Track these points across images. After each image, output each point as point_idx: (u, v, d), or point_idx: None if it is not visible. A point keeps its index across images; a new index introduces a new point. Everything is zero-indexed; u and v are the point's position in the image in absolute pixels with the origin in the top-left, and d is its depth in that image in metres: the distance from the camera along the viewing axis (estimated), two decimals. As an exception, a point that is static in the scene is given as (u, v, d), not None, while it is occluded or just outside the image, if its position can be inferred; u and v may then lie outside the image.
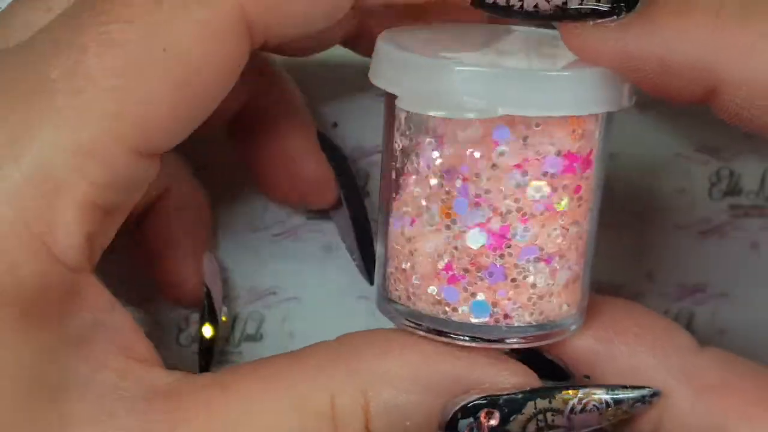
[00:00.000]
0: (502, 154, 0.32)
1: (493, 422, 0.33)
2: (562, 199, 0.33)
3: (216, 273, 0.43)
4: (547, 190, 0.33)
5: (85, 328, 0.32)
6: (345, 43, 0.40)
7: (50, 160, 0.31)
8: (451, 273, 0.33)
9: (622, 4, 0.32)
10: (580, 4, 0.32)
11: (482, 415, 0.33)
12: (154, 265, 0.43)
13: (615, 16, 0.32)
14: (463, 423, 0.33)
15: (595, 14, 0.32)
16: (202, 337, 0.43)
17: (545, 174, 0.33)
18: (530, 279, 0.33)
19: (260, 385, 0.33)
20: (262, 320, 0.45)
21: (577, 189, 0.33)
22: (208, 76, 0.33)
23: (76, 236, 0.32)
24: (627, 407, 0.34)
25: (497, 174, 0.32)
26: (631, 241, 0.45)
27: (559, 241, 0.33)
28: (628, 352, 0.35)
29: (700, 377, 0.35)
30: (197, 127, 0.34)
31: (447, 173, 0.33)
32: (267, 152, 0.41)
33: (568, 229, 0.34)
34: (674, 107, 0.43)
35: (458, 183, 0.33)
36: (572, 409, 0.34)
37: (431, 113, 0.32)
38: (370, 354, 0.33)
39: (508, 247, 0.33)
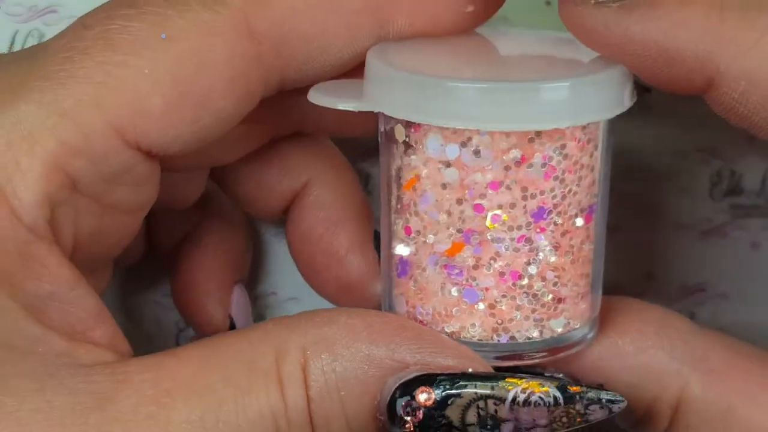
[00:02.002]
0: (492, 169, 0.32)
1: (428, 400, 0.31)
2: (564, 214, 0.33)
3: (245, 306, 0.42)
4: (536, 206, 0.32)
5: (40, 298, 0.32)
6: None
7: (27, 114, 0.31)
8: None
9: None
10: None
11: (418, 391, 0.31)
12: (181, 297, 0.42)
13: None
14: (400, 402, 0.31)
15: None
16: None
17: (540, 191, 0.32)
18: (535, 295, 0.33)
19: (211, 349, 0.32)
20: (262, 320, 0.45)
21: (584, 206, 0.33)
22: (207, 78, 0.32)
23: (35, 192, 0.31)
24: (581, 408, 0.32)
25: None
26: (631, 241, 0.45)
27: (563, 258, 0.33)
28: (635, 350, 0.35)
29: (706, 360, 0.35)
30: (197, 139, 0.33)
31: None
32: (315, 243, 0.40)
33: (573, 246, 0.33)
34: (673, 107, 0.43)
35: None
36: (515, 399, 0.32)
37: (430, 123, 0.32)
38: (317, 320, 0.32)
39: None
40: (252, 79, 0.33)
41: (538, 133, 0.32)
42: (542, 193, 0.32)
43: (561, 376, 0.34)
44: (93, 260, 0.35)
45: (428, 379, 0.32)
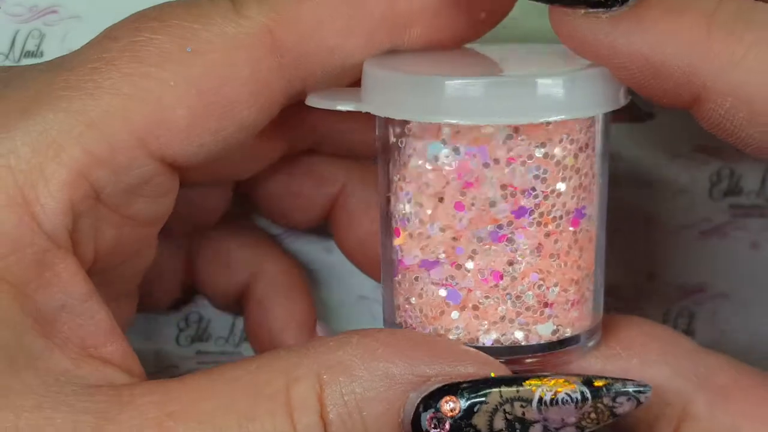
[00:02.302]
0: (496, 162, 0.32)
1: (454, 410, 0.31)
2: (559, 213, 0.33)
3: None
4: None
5: (51, 308, 0.32)
6: None
7: (53, 122, 0.32)
8: None
9: None
10: None
11: (442, 403, 0.31)
12: (260, 341, 0.42)
13: (607, 8, 0.31)
14: (425, 416, 0.31)
15: (588, 3, 0.31)
16: None
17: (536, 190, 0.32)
18: (528, 298, 0.33)
19: (215, 377, 0.32)
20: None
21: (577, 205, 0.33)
22: (231, 90, 0.33)
23: (58, 199, 0.32)
24: (609, 401, 0.32)
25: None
26: (632, 241, 0.45)
27: (548, 260, 0.33)
28: (640, 364, 0.35)
29: (712, 380, 0.35)
30: (220, 149, 0.33)
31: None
32: (369, 240, 0.40)
33: (560, 249, 0.33)
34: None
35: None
36: (541, 400, 0.31)
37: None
38: (329, 344, 0.32)
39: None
40: (274, 90, 0.34)
41: (517, 129, 0.32)
42: (523, 192, 0.32)
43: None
44: (113, 280, 0.35)
45: (451, 389, 0.31)
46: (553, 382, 0.31)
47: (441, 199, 0.32)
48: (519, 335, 0.33)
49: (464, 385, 0.31)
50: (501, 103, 0.31)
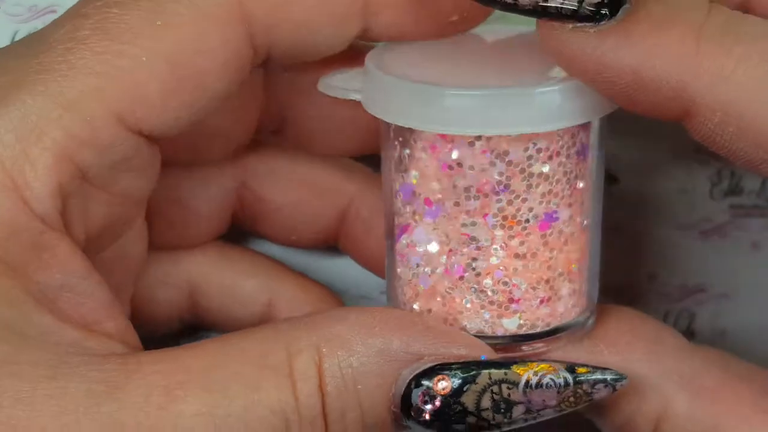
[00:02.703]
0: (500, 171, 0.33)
1: (445, 388, 0.32)
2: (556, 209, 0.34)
3: None
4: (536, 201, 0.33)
5: (52, 288, 0.32)
6: None
7: (33, 107, 0.32)
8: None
9: (604, 11, 0.31)
10: (562, 3, 0.31)
11: (434, 381, 0.32)
12: None
13: (595, 23, 0.31)
14: (416, 392, 0.32)
15: (576, 17, 0.31)
16: None
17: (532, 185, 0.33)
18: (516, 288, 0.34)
19: (221, 347, 0.32)
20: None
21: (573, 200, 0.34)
22: (202, 61, 0.33)
23: (46, 183, 0.32)
24: (587, 387, 0.33)
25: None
26: (632, 241, 0.45)
27: (513, 260, 0.34)
28: (622, 361, 0.35)
29: (696, 380, 0.35)
30: (194, 119, 0.34)
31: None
32: (374, 255, 0.41)
33: (526, 251, 0.34)
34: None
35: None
36: (527, 383, 0.33)
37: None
38: (328, 319, 0.33)
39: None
40: (243, 59, 0.34)
41: (479, 138, 0.33)
42: (486, 195, 0.33)
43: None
44: (110, 263, 0.36)
45: (443, 369, 0.33)
46: (539, 367, 0.33)
47: (418, 195, 0.34)
48: (485, 327, 0.34)
49: (456, 365, 0.33)
50: (461, 112, 0.32)
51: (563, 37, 0.32)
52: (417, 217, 0.34)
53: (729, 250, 0.45)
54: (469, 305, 0.34)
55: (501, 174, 0.33)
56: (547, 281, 0.34)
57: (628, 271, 0.45)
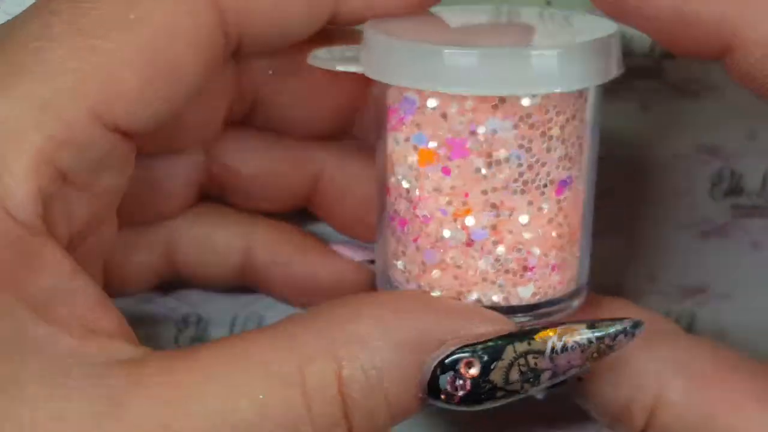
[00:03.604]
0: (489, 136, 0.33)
1: (474, 371, 0.32)
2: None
3: (351, 244, 0.43)
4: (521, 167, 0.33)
5: (43, 293, 0.32)
6: None
7: (9, 110, 0.31)
8: None
9: None
10: None
11: (462, 365, 0.32)
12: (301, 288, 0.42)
13: None
14: (444, 378, 0.32)
15: None
16: None
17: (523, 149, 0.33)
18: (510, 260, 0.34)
19: (226, 354, 0.32)
20: (261, 321, 0.45)
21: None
22: (177, 51, 0.33)
23: (26, 189, 0.31)
24: (609, 341, 0.33)
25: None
26: (632, 241, 0.45)
27: (529, 227, 0.34)
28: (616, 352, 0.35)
29: (690, 368, 0.35)
30: (171, 113, 0.33)
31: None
32: (361, 212, 0.41)
33: (542, 216, 0.34)
34: (673, 107, 0.43)
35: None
36: (553, 349, 0.33)
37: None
38: (342, 317, 0.32)
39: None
40: (216, 47, 0.34)
41: (503, 100, 0.32)
42: (507, 160, 0.33)
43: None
44: (88, 254, 0.35)
45: (466, 350, 0.32)
46: (560, 331, 0.33)
47: (429, 163, 0.33)
48: (498, 297, 0.34)
49: (479, 346, 0.32)
50: (492, 74, 0.32)
51: None
52: (428, 186, 0.34)
53: (729, 250, 0.45)
54: (484, 276, 0.34)
55: (523, 137, 0.33)
56: (559, 248, 0.34)
57: (628, 271, 0.45)
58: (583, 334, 0.33)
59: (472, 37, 0.35)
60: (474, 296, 0.34)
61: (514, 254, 0.34)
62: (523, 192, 0.33)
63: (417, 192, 0.34)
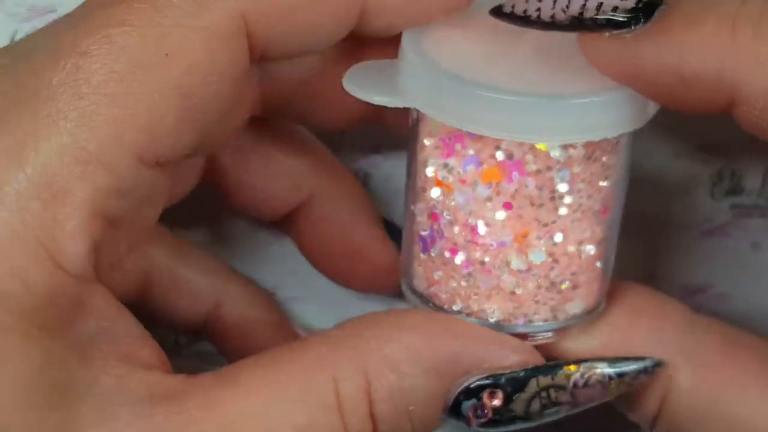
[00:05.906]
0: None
1: (497, 402, 0.33)
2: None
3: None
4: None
5: (89, 335, 0.32)
6: None
7: (53, 166, 0.31)
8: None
9: (639, 15, 0.31)
10: (596, 14, 0.32)
11: (485, 395, 0.33)
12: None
13: (631, 27, 0.32)
14: (467, 404, 0.33)
15: (611, 25, 0.32)
16: None
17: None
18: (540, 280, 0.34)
19: (263, 380, 0.33)
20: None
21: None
22: (212, 83, 0.32)
23: (80, 245, 0.31)
24: (630, 379, 0.35)
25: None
26: (633, 241, 0.45)
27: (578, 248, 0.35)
28: (623, 340, 0.36)
29: (699, 352, 0.36)
30: (205, 137, 0.34)
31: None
32: (332, 245, 0.42)
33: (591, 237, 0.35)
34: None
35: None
36: (575, 384, 0.34)
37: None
38: (371, 339, 0.33)
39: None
40: (246, 69, 0.34)
41: (573, 145, 0.33)
42: (561, 197, 0.34)
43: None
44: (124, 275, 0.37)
45: (493, 381, 0.33)
46: (583, 369, 0.34)
47: (494, 198, 0.34)
48: (548, 315, 0.35)
49: (505, 377, 0.34)
50: (569, 123, 0.33)
51: (602, 46, 0.32)
52: (487, 216, 0.34)
53: (729, 250, 0.45)
54: (537, 297, 0.34)
55: (582, 171, 0.34)
56: (602, 262, 0.35)
57: (629, 271, 0.45)
58: (605, 372, 0.34)
59: (536, 74, 0.34)
60: (523, 319, 0.35)
61: (567, 275, 0.35)
62: (580, 221, 0.34)
63: (472, 220, 0.34)
